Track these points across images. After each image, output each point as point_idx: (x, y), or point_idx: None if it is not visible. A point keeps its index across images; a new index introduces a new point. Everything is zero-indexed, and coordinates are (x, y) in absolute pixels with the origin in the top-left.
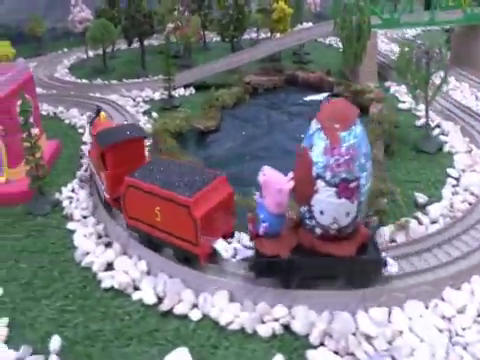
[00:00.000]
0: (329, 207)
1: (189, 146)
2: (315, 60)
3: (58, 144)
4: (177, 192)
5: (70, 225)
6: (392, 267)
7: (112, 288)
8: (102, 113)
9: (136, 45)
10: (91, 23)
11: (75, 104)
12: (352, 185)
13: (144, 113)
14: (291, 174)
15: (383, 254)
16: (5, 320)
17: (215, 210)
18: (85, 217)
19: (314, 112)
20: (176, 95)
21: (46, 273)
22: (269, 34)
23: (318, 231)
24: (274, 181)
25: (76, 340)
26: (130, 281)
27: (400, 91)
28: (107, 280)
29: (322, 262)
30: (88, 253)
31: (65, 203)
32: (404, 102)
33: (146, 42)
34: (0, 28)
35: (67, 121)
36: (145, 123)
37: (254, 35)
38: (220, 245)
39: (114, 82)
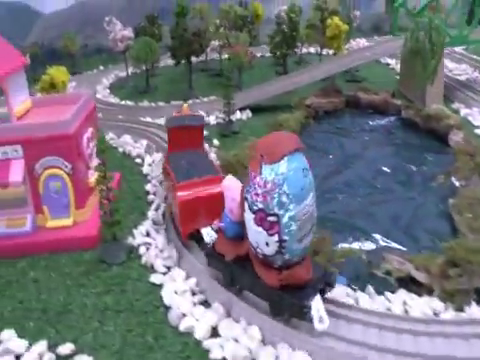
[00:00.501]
0: (250, 230)
1: None
2: (368, 78)
3: (118, 177)
4: (176, 176)
5: (154, 278)
6: (321, 323)
7: None
8: (184, 105)
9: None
10: (132, 41)
11: (126, 130)
12: (270, 219)
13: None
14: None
15: (317, 308)
16: None
17: (199, 200)
18: (169, 268)
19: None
20: (233, 119)
21: (138, 338)
22: (318, 51)
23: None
24: (230, 189)
25: None
26: (246, 353)
27: (473, 114)
28: (216, 350)
29: (251, 280)
30: (185, 315)
31: (142, 250)
32: None
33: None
34: (32, 46)
35: (120, 149)
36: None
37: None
38: (205, 230)
39: (162, 104)
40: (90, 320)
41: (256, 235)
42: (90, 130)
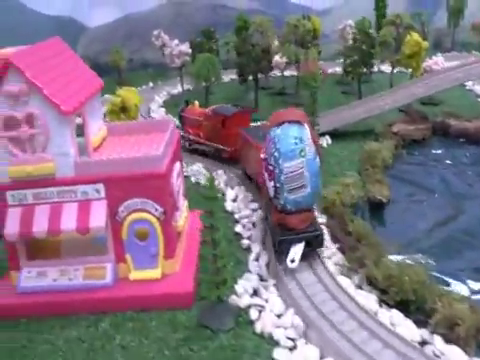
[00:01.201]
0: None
1: (373, 226)
2: (445, 101)
3: (198, 215)
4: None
5: (278, 354)
6: (292, 263)
7: None
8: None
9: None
10: (189, 57)
11: (192, 156)
12: (269, 167)
13: None
14: None
15: (295, 251)
16: None
17: None
18: (294, 340)
19: None
20: None
21: None
22: (389, 68)
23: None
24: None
25: None
26: None
27: None
28: None
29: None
30: None
31: (253, 314)
32: None
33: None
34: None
35: (193, 178)
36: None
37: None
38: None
39: None
40: None
41: (266, 180)
42: (178, 165)
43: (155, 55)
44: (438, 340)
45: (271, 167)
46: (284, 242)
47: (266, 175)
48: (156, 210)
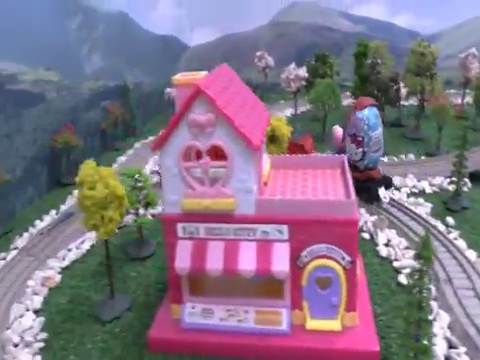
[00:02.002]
0: (348, 147)
1: None
2: None
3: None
4: None
5: None
6: (385, 199)
7: None
8: None
9: None
10: (305, 82)
11: None
12: (359, 138)
13: (432, 215)
14: None
15: (382, 193)
16: None
17: None
18: None
19: None
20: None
21: None
22: None
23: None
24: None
25: None
26: None
27: None
28: None
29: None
30: None
31: None
32: None
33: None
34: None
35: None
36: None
37: None
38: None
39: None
40: None
41: (351, 149)
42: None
43: (257, 76)
44: None
45: (360, 138)
46: (375, 186)
47: (354, 145)
48: (343, 259)
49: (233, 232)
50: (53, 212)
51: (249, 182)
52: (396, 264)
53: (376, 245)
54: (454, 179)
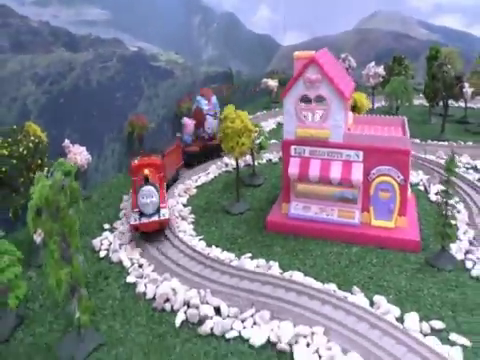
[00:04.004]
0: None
1: None
2: None
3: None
4: None
5: None
6: None
7: None
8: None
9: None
10: (382, 78)
11: None
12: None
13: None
14: None
15: None
16: None
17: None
18: None
19: None
20: None
21: None
22: None
23: None
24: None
25: None
26: None
27: None
28: None
29: None
30: None
31: (468, 264)
32: None
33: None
34: (270, 73)
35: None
36: None
37: None
38: None
39: (417, 141)
40: (444, 307)
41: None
42: None
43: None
44: None
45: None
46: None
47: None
48: (398, 177)
49: (327, 154)
50: None
51: (340, 121)
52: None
53: (428, 193)
54: None
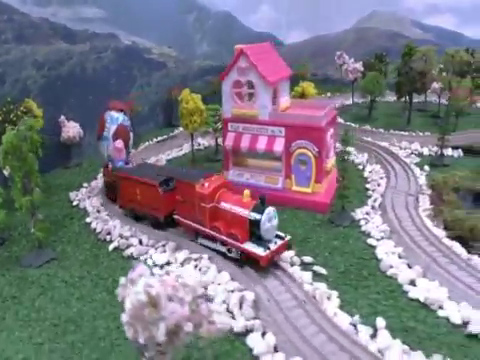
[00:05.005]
0: None
1: (465, 201)
2: None
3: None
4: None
5: (370, 241)
6: None
7: (417, 300)
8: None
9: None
10: (360, 74)
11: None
12: None
13: (416, 165)
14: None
15: None
16: (335, 293)
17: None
18: (382, 237)
19: None
20: (444, 154)
21: (356, 270)
22: None
23: None
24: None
25: (392, 329)
26: (436, 299)
27: None
28: (413, 292)
29: None
30: (392, 267)
31: (362, 222)
32: None
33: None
34: None
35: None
36: (420, 174)
37: None
38: None
39: (381, 130)
40: (323, 251)
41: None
42: (332, 130)
43: (336, 72)
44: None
45: None
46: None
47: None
48: (314, 150)
49: (256, 130)
50: (165, 136)
51: (266, 102)
52: (368, 179)
53: (364, 171)
54: (438, 144)
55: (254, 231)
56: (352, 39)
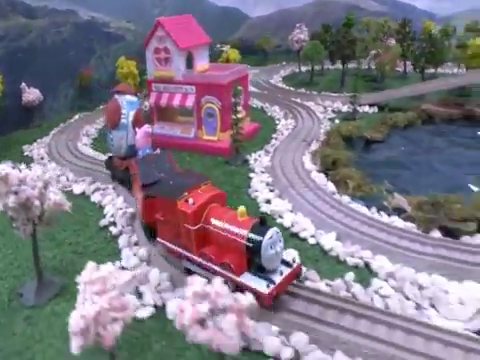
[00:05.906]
0: None
1: (354, 148)
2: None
3: (257, 126)
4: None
5: (251, 175)
6: None
7: (266, 213)
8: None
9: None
10: (306, 43)
11: (277, 103)
12: None
13: (329, 119)
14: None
15: None
16: None
17: None
18: (263, 172)
19: None
20: (360, 111)
21: (230, 194)
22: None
23: None
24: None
25: None
26: (279, 210)
27: None
28: (264, 208)
29: None
30: (257, 190)
31: (251, 162)
32: None
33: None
34: (235, 40)
35: (269, 113)
36: (326, 126)
37: (456, 70)
38: None
39: (314, 93)
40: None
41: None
42: (240, 87)
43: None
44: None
45: None
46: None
47: None
48: (218, 104)
49: (173, 88)
50: None
51: (180, 65)
52: (278, 132)
53: (278, 125)
54: (351, 101)
55: (253, 259)
56: (312, 12)
